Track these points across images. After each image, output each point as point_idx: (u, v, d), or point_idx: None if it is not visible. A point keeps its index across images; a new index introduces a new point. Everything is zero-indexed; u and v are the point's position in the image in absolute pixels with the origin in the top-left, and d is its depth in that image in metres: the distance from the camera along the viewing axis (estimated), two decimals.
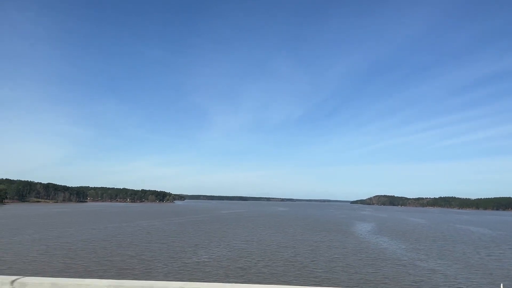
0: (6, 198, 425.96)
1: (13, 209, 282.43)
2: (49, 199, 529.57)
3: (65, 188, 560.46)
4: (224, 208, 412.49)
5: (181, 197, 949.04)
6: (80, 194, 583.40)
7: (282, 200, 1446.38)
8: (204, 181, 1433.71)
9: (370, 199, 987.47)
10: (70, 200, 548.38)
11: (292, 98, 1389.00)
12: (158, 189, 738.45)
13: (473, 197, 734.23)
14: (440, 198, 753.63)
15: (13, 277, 9.11)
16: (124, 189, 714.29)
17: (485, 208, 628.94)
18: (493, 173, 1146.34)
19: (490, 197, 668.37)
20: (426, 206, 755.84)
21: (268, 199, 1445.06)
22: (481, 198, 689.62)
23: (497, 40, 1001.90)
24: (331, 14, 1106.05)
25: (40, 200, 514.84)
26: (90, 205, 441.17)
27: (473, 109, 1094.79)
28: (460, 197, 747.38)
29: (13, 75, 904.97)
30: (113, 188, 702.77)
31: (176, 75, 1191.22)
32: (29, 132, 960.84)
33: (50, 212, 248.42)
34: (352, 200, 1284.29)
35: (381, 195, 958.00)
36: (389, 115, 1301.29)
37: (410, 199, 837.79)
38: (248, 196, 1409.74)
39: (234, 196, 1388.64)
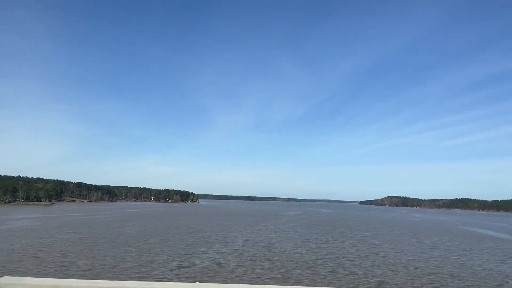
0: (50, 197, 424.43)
1: (82, 210, 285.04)
2: (82, 198, 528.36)
3: (96, 188, 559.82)
4: (279, 210, 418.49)
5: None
6: (110, 193, 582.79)
7: (288, 200, 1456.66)
8: (207, 180, 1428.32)
9: (382, 200, 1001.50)
10: (102, 200, 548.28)
11: (294, 97, 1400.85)
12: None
13: (484, 198, 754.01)
14: (456, 199, 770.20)
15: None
16: (146, 188, 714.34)
17: (506, 210, 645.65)
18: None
19: (507, 199, 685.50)
20: (443, 208, 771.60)
21: (274, 199, 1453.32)
22: (497, 200, 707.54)
23: (498, 41, 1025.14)
24: (334, 14, 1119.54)
25: (75, 199, 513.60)
26: (136, 205, 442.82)
27: (476, 109, 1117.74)
28: (474, 198, 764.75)
29: (14, 73, 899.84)
30: (135, 188, 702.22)
31: (178, 73, 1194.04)
32: (30, 130, 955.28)
33: (151, 212, 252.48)
34: (359, 200, 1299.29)
35: (393, 196, 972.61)
36: (391, 115, 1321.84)
37: (425, 200, 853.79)
38: (254, 196, 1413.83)
39: (241, 196, 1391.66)
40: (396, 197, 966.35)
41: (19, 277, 8.82)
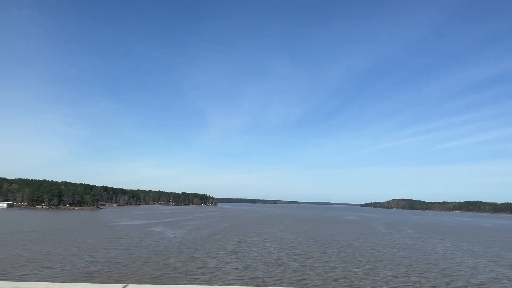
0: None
1: (150, 215, 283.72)
2: (111, 202, 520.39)
3: (123, 192, 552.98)
4: (333, 215, 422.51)
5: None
6: (135, 197, 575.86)
7: (289, 203, 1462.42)
8: (204, 183, 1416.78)
9: (388, 202, 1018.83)
10: (130, 203, 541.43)
11: (291, 99, 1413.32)
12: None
13: (492, 200, 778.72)
14: (466, 202, 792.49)
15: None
16: (163, 192, 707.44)
17: None
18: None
19: None
20: (453, 211, 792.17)
21: (274, 201, 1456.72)
22: (507, 203, 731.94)
23: (498, 43, 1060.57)
24: (331, 15, 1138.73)
25: (105, 203, 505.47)
26: (175, 209, 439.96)
27: (476, 111, 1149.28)
28: (484, 201, 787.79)
29: (10, 74, 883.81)
30: (153, 191, 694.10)
31: (174, 75, 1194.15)
32: (25, 132, 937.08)
33: (250, 217, 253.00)
34: (361, 203, 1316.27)
35: (400, 199, 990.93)
36: (389, 117, 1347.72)
37: (433, 203, 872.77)
38: (255, 198, 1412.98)
39: (242, 199, 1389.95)
40: (403, 199, 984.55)
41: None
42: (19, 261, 74.06)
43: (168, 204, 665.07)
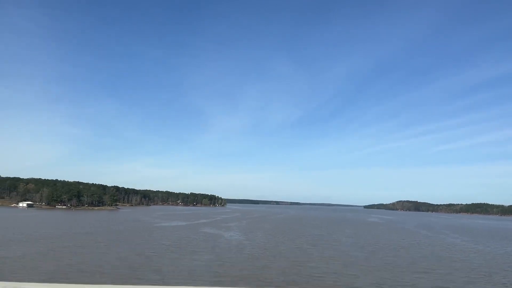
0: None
1: (172, 215, 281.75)
2: (123, 202, 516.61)
3: (134, 192, 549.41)
4: (358, 217, 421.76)
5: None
6: (146, 197, 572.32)
7: (291, 203, 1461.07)
8: (204, 183, 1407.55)
9: (393, 204, 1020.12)
10: (142, 203, 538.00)
11: (292, 100, 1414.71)
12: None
13: (498, 203, 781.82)
14: (473, 204, 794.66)
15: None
16: (171, 192, 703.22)
17: None
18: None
19: None
20: (460, 213, 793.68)
21: (277, 202, 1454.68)
22: None
23: (498, 44, 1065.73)
24: (332, 15, 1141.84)
25: (117, 203, 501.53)
26: (189, 209, 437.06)
27: (475, 112, 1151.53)
28: (488, 203, 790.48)
29: (10, 73, 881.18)
30: (162, 191, 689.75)
31: (174, 75, 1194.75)
32: (26, 132, 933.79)
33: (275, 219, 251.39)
34: (364, 204, 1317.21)
35: (405, 201, 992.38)
36: (390, 118, 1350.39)
37: (440, 205, 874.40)
38: (257, 199, 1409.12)
39: (244, 200, 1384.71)
40: (408, 201, 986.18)
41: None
42: (133, 265, 71.85)
43: (177, 204, 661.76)
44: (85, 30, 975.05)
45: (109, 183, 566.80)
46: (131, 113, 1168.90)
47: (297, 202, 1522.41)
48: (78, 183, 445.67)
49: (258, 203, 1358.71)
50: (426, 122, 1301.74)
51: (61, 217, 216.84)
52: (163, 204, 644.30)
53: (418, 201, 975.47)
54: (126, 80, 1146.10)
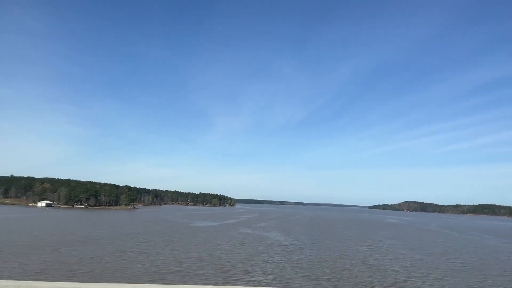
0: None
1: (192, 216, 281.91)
2: (136, 202, 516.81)
3: (146, 191, 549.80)
4: (375, 217, 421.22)
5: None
6: (158, 197, 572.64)
7: (296, 204, 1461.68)
8: (208, 183, 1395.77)
9: (399, 205, 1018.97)
10: (154, 203, 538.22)
11: (295, 100, 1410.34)
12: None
13: (505, 204, 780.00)
14: (481, 205, 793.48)
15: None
16: (180, 192, 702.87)
17: None
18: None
19: None
20: (467, 214, 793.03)
21: (282, 202, 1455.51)
22: None
23: (505, 44, 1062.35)
24: (336, 16, 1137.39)
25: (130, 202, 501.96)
26: (199, 209, 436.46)
27: (480, 113, 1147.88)
28: (495, 204, 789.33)
29: (13, 73, 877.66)
30: (171, 191, 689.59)
31: (178, 75, 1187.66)
32: (29, 131, 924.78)
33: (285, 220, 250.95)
34: (369, 205, 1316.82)
35: (411, 201, 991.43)
36: (394, 118, 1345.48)
37: (447, 206, 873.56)
38: (262, 199, 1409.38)
39: (249, 200, 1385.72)
40: (414, 202, 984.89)
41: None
42: (220, 267, 71.69)
43: (187, 204, 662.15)
44: (88, 30, 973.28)
45: (112, 182, 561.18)
46: (135, 113, 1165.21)
47: (302, 202, 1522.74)
48: (93, 182, 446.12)
49: (262, 203, 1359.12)
50: (431, 122, 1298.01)
51: (87, 216, 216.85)
52: (173, 203, 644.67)
53: (424, 201, 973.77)
54: (130, 80, 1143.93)
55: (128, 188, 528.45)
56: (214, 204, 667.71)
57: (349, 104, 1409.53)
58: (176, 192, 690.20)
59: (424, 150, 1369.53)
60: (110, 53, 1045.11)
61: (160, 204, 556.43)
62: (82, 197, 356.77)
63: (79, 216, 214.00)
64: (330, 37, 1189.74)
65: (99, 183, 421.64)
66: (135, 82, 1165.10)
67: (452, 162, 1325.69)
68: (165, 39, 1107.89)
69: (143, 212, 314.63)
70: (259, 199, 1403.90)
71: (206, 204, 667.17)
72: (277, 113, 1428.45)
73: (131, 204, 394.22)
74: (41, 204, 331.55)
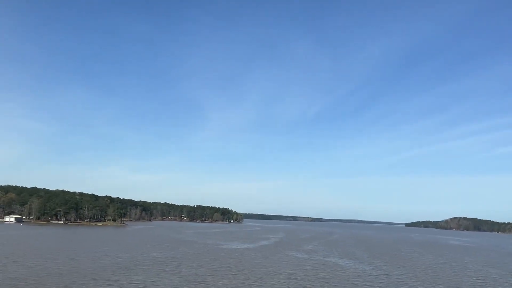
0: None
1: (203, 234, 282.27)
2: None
3: (132, 203, 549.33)
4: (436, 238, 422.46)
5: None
6: (146, 210, 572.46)
7: (312, 219, 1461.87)
8: (200, 192, 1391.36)
9: (446, 222, 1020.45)
10: (142, 218, 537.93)
11: (310, 89, 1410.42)
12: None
13: None
14: None
15: None
16: (173, 205, 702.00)
17: None
18: None
19: None
20: None
21: (295, 218, 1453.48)
22: None
23: None
24: None
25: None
26: (204, 226, 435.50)
27: None
28: None
29: None
30: (160, 203, 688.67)
31: (163, 57, 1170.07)
32: None
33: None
34: (406, 222, 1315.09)
35: (461, 218, 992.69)
36: (432, 113, 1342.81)
37: (507, 224, 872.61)
38: (270, 214, 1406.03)
39: (254, 214, 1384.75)
40: (465, 218, 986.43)
41: None
42: None
43: (181, 219, 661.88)
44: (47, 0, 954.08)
45: (79, 190, 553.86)
46: (108, 104, 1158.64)
47: (319, 218, 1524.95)
48: (72, 193, 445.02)
49: (270, 219, 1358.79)
50: (481, 118, 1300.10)
51: (74, 236, 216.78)
52: (163, 219, 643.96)
53: (478, 218, 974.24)
54: (102, 64, 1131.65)
55: (110, 199, 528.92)
56: (216, 220, 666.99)
57: (378, 94, 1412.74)
58: (166, 204, 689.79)
59: (474, 152, 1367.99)
60: (78, 29, 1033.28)
61: (149, 220, 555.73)
62: (59, 211, 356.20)
63: (64, 236, 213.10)
64: (356, 11, 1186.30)
65: (80, 193, 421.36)
66: (108, 66, 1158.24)
67: (510, 167, 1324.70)
68: (148, 11, 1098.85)
69: (139, 229, 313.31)
70: (265, 213, 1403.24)
71: (205, 220, 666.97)
72: (288, 106, 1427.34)
73: (122, 220, 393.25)
74: (9, 219, 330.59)
